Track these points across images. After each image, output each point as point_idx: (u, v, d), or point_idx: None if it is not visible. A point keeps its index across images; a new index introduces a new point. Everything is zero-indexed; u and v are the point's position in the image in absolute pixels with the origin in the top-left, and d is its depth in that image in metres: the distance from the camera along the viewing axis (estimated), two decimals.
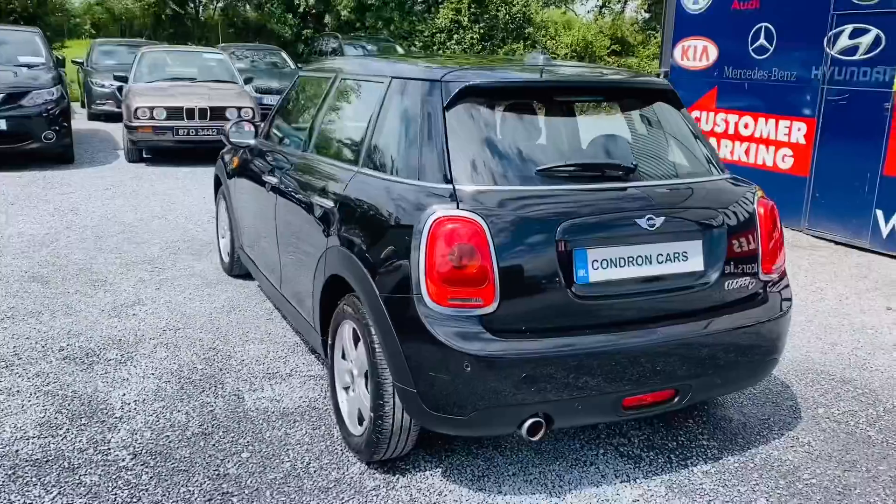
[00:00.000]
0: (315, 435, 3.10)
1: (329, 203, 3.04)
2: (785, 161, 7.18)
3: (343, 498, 2.68)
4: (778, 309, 2.92)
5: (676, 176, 2.90)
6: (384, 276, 2.58)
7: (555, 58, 14.19)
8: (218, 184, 5.29)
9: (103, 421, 3.16)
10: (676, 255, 2.71)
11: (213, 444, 3.00)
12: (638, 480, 2.84)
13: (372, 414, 2.70)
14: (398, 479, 2.80)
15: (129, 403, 3.32)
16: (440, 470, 2.87)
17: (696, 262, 2.74)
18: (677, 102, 3.12)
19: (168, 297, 4.67)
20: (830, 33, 6.65)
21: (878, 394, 3.64)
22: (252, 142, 4.27)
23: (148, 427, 3.12)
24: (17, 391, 3.39)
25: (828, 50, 6.70)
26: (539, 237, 2.52)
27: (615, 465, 2.94)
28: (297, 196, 3.44)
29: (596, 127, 2.93)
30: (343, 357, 3.02)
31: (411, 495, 2.71)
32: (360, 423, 2.87)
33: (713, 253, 2.77)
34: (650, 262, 2.66)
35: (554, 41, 20.12)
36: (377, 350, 2.64)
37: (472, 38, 19.37)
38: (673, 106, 3.10)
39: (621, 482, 2.82)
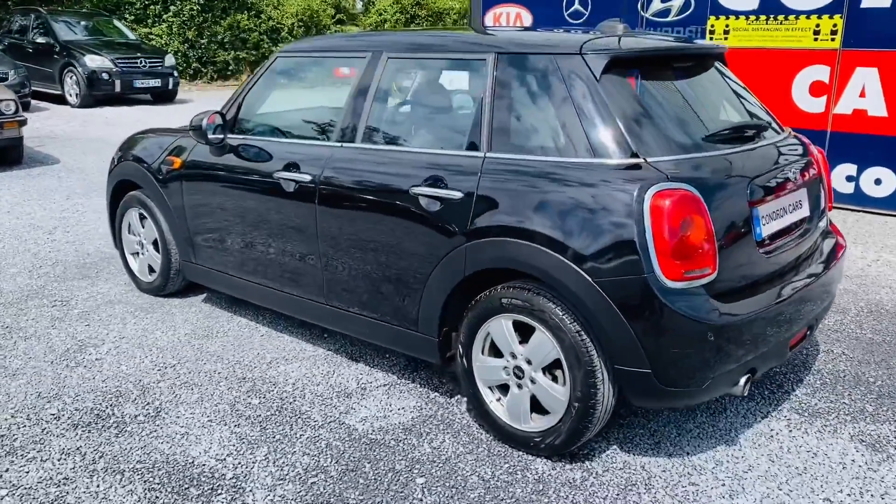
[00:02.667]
0: (462, 441, 2.89)
1: (455, 195, 2.79)
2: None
3: (562, 494, 2.57)
4: (840, 243, 3.35)
5: (770, 132, 3.14)
6: (595, 260, 2.48)
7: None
8: (118, 192, 4.47)
9: (218, 487, 2.62)
10: (796, 203, 2.97)
11: (375, 480, 2.66)
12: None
13: (577, 403, 2.60)
14: (595, 465, 2.75)
15: (226, 459, 2.78)
16: (626, 446, 2.86)
17: (805, 209, 3.03)
18: (726, 65, 3.36)
19: (116, 334, 3.89)
20: None
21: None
22: (218, 136, 3.69)
23: (280, 480, 2.66)
24: (65, 480, 2.66)
25: (642, 13, 7.47)
26: (735, 200, 2.62)
27: (789, 416, 3.17)
28: (369, 195, 3.08)
29: (700, 90, 3.05)
30: (495, 355, 2.84)
31: (626, 478, 2.68)
32: (520, 420, 2.76)
33: (811, 199, 3.09)
34: (786, 213, 2.89)
35: (279, 10, 19.46)
36: (581, 338, 2.54)
37: (191, 9, 17.98)
38: (727, 69, 3.33)
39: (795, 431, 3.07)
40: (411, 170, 2.97)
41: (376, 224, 3.06)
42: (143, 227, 4.34)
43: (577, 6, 7.89)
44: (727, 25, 6.99)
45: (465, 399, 3.18)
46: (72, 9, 16.68)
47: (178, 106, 14.12)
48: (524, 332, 2.75)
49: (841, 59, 6.41)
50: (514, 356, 2.77)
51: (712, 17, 7.04)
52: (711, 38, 7.05)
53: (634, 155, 2.55)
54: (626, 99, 2.67)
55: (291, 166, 3.37)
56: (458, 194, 2.79)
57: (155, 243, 4.29)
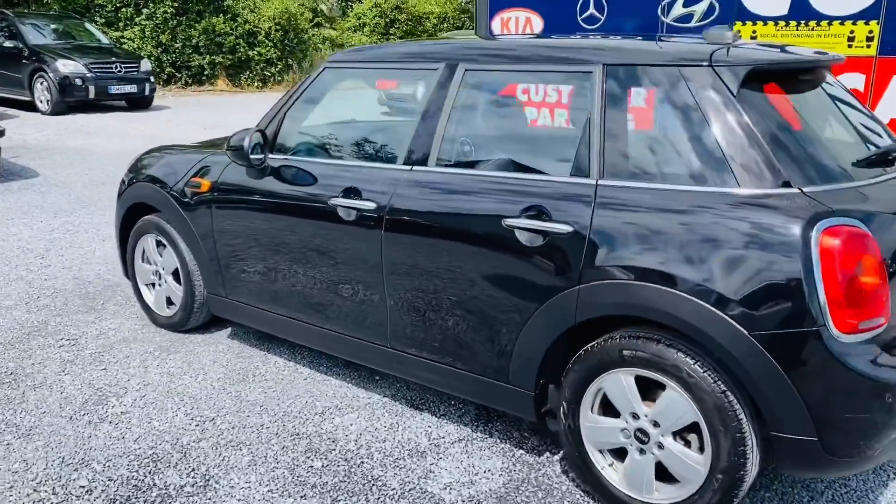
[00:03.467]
0: None
1: (562, 229, 2.41)
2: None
3: None
4: None
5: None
6: (750, 309, 2.11)
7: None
8: (130, 217, 4.01)
9: None
10: None
11: None
12: None
13: (721, 476, 2.23)
14: None
15: None
16: None
17: None
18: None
19: (139, 380, 3.43)
20: (664, 2, 7.11)
21: None
22: (259, 156, 3.26)
23: None
24: None
25: (662, 18, 7.16)
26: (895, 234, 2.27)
27: None
28: (450, 227, 2.68)
29: (828, 106, 2.70)
30: (606, 412, 2.46)
31: None
32: (642, 489, 2.39)
33: None
34: None
35: (255, 14, 18.87)
36: (727, 399, 2.18)
37: (164, 12, 17.33)
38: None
39: None
40: (503, 198, 2.57)
41: (459, 260, 2.67)
42: (161, 256, 3.88)
43: (592, 10, 7.56)
44: (754, 32, 6.71)
45: (562, 460, 2.79)
46: (40, 11, 15.96)
47: (155, 113, 13.53)
48: (647, 389, 2.38)
49: (877, 67, 6.16)
50: (635, 417, 2.39)
51: (738, 23, 6.75)
52: None
53: (787, 184, 2.19)
54: (769, 118, 2.31)
55: (351, 192, 2.95)
56: (567, 228, 2.40)
57: (175, 273, 3.84)
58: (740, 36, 2.76)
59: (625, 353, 2.34)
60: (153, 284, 4.01)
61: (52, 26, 14.38)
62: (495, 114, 2.85)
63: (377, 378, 3.46)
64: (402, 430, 3.01)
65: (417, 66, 3.00)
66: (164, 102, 15.16)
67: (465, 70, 2.82)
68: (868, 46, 6.19)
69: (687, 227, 2.22)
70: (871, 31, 6.19)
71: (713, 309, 2.14)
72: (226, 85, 18.37)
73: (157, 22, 17.41)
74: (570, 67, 2.58)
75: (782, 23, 6.56)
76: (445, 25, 21.32)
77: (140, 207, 3.95)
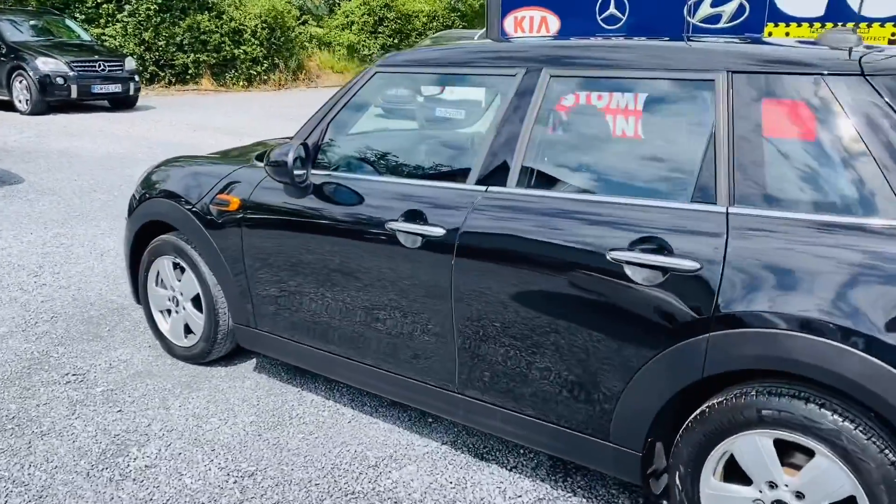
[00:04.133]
0: None
1: (686, 265, 2.05)
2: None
3: None
4: None
5: None
6: None
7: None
8: (142, 237, 3.60)
9: None
10: None
11: None
12: None
13: None
14: None
15: None
16: None
17: None
18: None
19: (160, 424, 3.03)
20: (690, 2, 6.79)
21: None
22: (301, 172, 2.87)
23: None
24: None
25: (689, 18, 6.84)
26: None
27: None
28: (537, 259, 2.31)
29: None
30: (730, 477, 2.11)
31: None
32: None
33: None
34: None
35: (241, 11, 18.36)
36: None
37: (147, 8, 16.76)
38: None
39: None
40: (606, 227, 2.21)
41: (549, 297, 2.30)
42: (180, 280, 3.47)
43: (612, 10, 7.22)
44: (787, 34, 6.42)
45: None
46: (17, 7, 15.35)
47: (141, 113, 13.03)
48: (784, 451, 2.03)
49: None
50: (772, 486, 2.04)
51: (770, 24, 6.45)
52: None
53: None
54: None
55: (413, 216, 2.58)
56: (692, 265, 2.04)
57: (196, 300, 3.44)
58: (862, 39, 2.41)
59: (764, 413, 1.99)
60: (168, 311, 3.60)
61: (31, 22, 13.81)
62: (587, 127, 2.48)
63: (430, 420, 3.08)
64: (472, 487, 2.64)
65: (489, 70, 2.63)
66: (149, 102, 14.64)
67: (551, 76, 2.45)
68: None
69: (847, 267, 1.87)
70: None
71: (887, 367, 1.79)
72: (211, 84, 17.86)
73: (140, 19, 16.87)
74: (684, 74, 2.23)
75: (818, 24, 6.27)
76: (435, 24, 20.95)
77: (153, 226, 3.54)
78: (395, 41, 20.71)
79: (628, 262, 2.14)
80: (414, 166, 2.93)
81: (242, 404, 3.19)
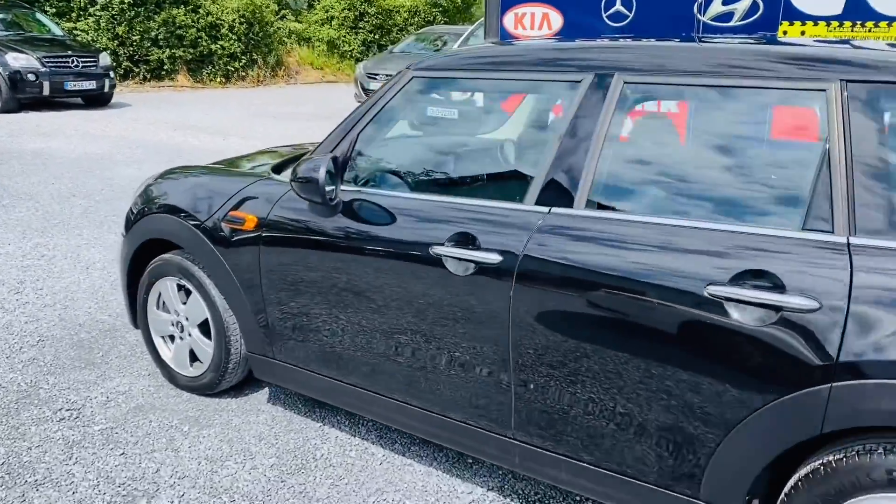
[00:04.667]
0: None
1: (802, 304, 1.77)
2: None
3: None
4: None
5: None
6: None
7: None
8: (139, 258, 3.27)
9: None
10: None
11: None
12: None
13: None
14: None
15: None
16: None
17: None
18: None
19: (170, 469, 2.70)
20: None
21: None
22: (331, 188, 2.56)
23: None
24: None
25: (699, 16, 6.61)
26: None
27: None
28: (617, 291, 2.02)
29: None
30: None
31: None
32: None
33: None
34: None
35: (218, 5, 17.84)
36: None
37: (121, 2, 16.19)
38: None
39: None
40: (699, 258, 1.93)
41: (629, 335, 2.02)
42: (185, 304, 3.15)
43: (618, 6, 6.95)
44: (803, 32, 6.21)
45: None
46: None
47: (117, 111, 12.55)
48: None
49: None
50: None
51: (785, 23, 6.23)
52: None
53: None
54: None
55: (462, 239, 2.28)
56: (810, 304, 1.77)
57: (204, 325, 3.11)
58: None
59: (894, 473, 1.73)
60: (171, 337, 3.27)
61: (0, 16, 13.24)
62: (670, 142, 2.20)
63: (470, 461, 2.79)
64: None
65: (546, 76, 2.34)
66: (124, 99, 14.15)
67: (624, 82, 2.17)
68: None
69: None
70: None
71: None
72: (187, 80, 17.37)
73: (113, 13, 16.33)
74: (788, 84, 1.95)
75: (835, 23, 6.06)
76: (416, 20, 20.60)
77: (154, 243, 3.21)
78: (376, 37, 20.33)
79: (730, 299, 1.86)
80: (458, 182, 2.65)
81: (260, 443, 2.87)
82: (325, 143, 2.69)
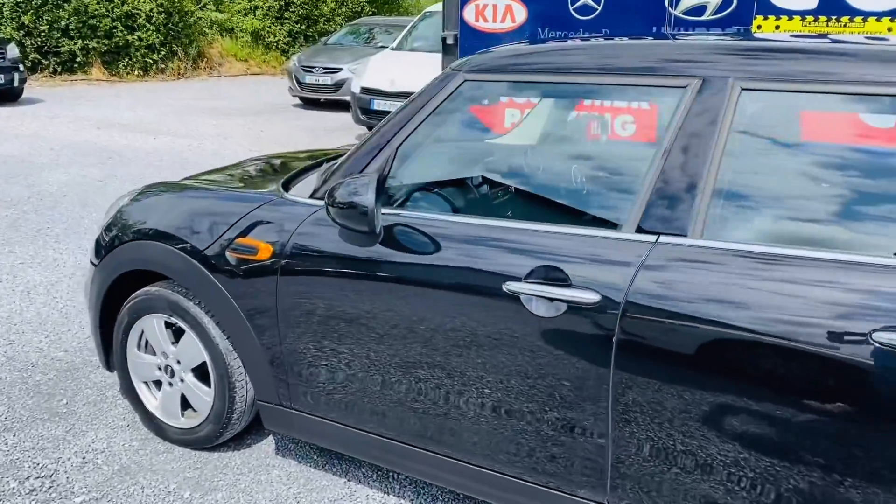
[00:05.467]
0: None
1: None
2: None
3: None
4: None
5: None
6: None
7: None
8: (114, 292, 2.78)
9: None
10: None
11: None
12: None
13: None
14: None
15: None
16: None
17: None
18: None
19: None
20: None
21: None
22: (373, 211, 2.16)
23: None
24: None
25: (671, 10, 6.42)
26: None
27: None
28: (757, 336, 1.70)
29: None
30: None
31: None
32: None
33: None
34: None
35: None
36: None
37: None
38: None
39: None
40: (857, 296, 1.64)
41: (772, 392, 1.71)
42: (176, 345, 2.69)
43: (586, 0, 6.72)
44: (777, 27, 6.09)
45: None
46: None
47: (29, 108, 11.57)
48: None
49: None
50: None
51: (759, 17, 6.11)
52: None
53: None
54: None
55: (548, 274, 1.93)
56: None
57: (200, 369, 2.66)
58: None
59: None
60: (158, 383, 2.80)
61: None
62: (807, 160, 1.90)
63: None
64: None
65: (639, 80, 2.00)
66: (35, 94, 13.09)
67: (742, 89, 1.85)
68: None
69: None
70: None
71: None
72: (102, 73, 16.28)
73: (18, 0, 15.11)
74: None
75: (810, 17, 5.97)
76: (344, 10, 19.98)
77: (133, 275, 2.73)
78: (303, 27, 19.59)
79: None
80: (534, 205, 2.27)
81: None
82: (356, 158, 2.28)
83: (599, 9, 6.65)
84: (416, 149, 2.27)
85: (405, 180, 2.29)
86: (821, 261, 1.70)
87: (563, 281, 1.91)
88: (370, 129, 10.22)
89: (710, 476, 1.83)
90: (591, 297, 1.87)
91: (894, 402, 1.59)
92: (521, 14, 6.98)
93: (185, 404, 2.76)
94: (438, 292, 2.08)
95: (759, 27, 6.15)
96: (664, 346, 1.80)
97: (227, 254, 2.44)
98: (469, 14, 7.18)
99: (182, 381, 2.72)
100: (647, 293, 1.82)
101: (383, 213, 2.21)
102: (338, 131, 10.34)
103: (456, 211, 2.29)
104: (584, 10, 6.70)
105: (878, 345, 1.59)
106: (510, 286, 1.97)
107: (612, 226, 1.97)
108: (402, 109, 2.29)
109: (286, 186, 2.63)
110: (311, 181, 2.69)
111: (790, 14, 6.03)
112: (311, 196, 2.43)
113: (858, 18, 5.81)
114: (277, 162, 3.18)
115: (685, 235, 1.85)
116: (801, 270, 1.70)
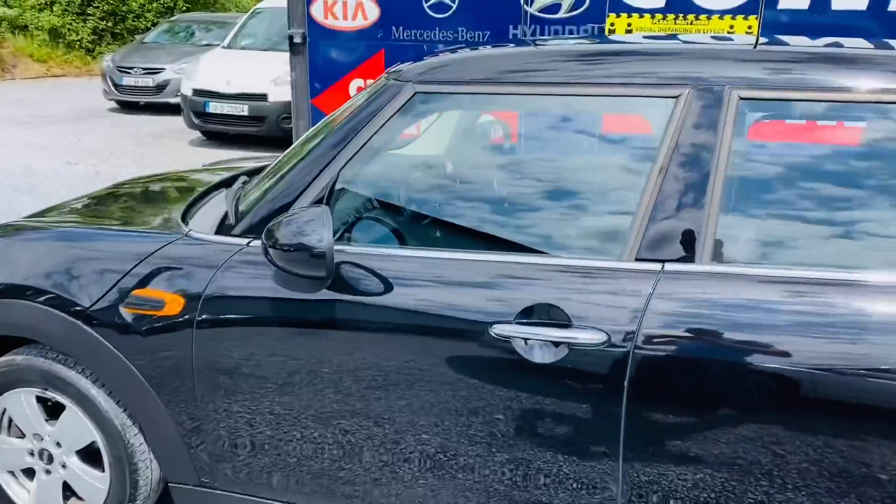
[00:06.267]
0: None
1: None
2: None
3: None
4: None
5: None
6: None
7: None
8: None
9: None
10: None
11: None
12: None
13: None
14: None
15: None
16: None
17: None
18: None
19: None
20: None
21: None
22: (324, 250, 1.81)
23: None
24: None
25: (526, 8, 6.37)
26: None
27: None
28: (780, 376, 1.56)
29: None
30: None
31: None
32: None
33: None
34: None
35: None
36: None
37: None
38: None
39: None
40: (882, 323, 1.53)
41: (801, 442, 1.57)
42: (55, 423, 2.17)
43: None
44: (629, 24, 6.22)
45: None
46: None
47: None
48: None
49: None
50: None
51: (612, 15, 6.20)
52: None
53: None
54: None
55: (541, 313, 1.68)
56: None
57: (86, 451, 2.17)
58: None
59: None
60: (30, 471, 2.26)
61: None
62: (816, 174, 1.76)
63: None
64: None
65: (624, 89, 1.79)
66: None
67: (740, 98, 1.70)
68: None
69: None
70: (749, 27, 6.00)
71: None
72: None
73: None
74: None
75: (659, 16, 6.15)
76: (155, 6, 18.59)
77: None
78: (109, 24, 17.99)
79: None
80: (508, 231, 2.00)
81: None
82: (287, 185, 1.91)
83: (454, 7, 6.51)
84: (362, 170, 1.93)
85: (355, 210, 1.94)
86: (849, 284, 1.58)
87: (560, 320, 1.67)
88: (205, 133, 9.55)
89: None
90: (595, 337, 1.64)
91: None
92: (373, 12, 6.68)
93: (68, 494, 2.25)
94: (406, 339, 1.77)
95: (612, 25, 6.26)
96: (684, 385, 1.61)
97: (122, 309, 1.97)
98: (317, 11, 6.79)
99: (64, 466, 2.20)
100: (662, 326, 1.62)
101: (338, 248, 1.85)
102: (166, 137, 9.51)
103: (426, 243, 1.98)
104: (439, 7, 6.53)
105: None
106: (499, 330, 1.70)
107: (608, 253, 1.75)
108: (338, 126, 1.93)
109: (184, 217, 2.19)
110: (211, 211, 2.27)
111: (641, 12, 6.17)
112: (225, 232, 2.02)
113: (703, 17, 6.05)
114: (156, 187, 2.69)
115: (693, 261, 1.66)
116: (832, 293, 1.57)
